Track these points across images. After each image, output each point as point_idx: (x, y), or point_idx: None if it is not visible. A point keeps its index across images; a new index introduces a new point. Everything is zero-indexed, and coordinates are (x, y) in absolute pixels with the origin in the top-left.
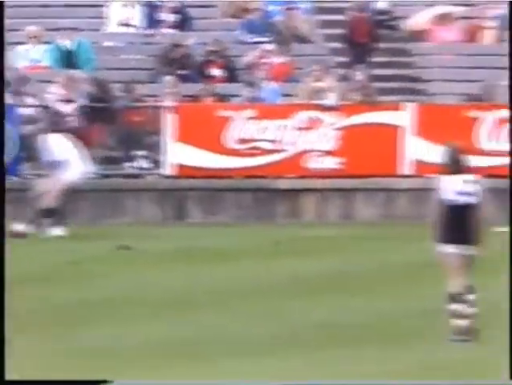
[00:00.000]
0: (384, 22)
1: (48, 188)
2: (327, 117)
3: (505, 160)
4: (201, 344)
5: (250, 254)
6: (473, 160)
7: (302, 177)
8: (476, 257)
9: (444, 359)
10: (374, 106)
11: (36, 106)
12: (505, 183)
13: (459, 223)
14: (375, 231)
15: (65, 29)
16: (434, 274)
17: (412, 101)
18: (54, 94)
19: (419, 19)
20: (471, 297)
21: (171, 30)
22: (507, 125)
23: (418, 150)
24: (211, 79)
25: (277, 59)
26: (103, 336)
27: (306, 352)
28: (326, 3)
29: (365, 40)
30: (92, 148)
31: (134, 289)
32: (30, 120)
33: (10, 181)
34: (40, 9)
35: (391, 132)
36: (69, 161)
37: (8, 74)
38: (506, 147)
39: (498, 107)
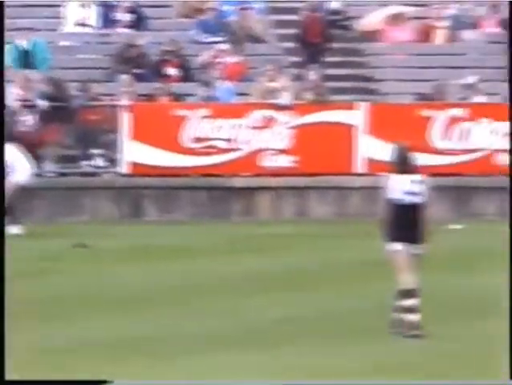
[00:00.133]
0: (337, 22)
1: None
2: (281, 116)
3: (458, 159)
4: (158, 341)
5: (206, 252)
6: (426, 159)
7: (257, 176)
8: (422, 255)
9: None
10: (327, 105)
11: None
12: (457, 180)
13: (406, 222)
14: (329, 229)
15: (22, 29)
16: (386, 272)
17: (365, 100)
18: (11, 94)
19: (372, 19)
20: (414, 301)
21: (126, 30)
22: (459, 124)
23: (371, 149)
24: (166, 78)
25: (231, 59)
26: (59, 333)
27: (263, 348)
28: (279, 3)
29: (318, 40)
30: (49, 147)
31: (91, 287)
32: None
33: None
34: None
35: (344, 131)
36: (15, 164)
37: None
38: (458, 145)
39: (450, 106)
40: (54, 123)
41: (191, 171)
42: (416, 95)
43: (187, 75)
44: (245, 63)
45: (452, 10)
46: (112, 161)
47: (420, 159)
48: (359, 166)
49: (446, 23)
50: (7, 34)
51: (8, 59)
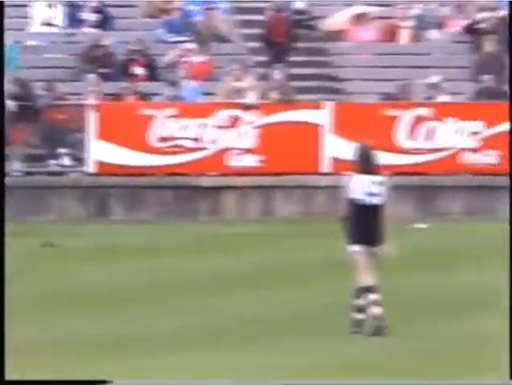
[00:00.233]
0: (302, 22)
1: None
2: (247, 116)
3: (423, 158)
4: (125, 340)
5: (172, 251)
6: (392, 158)
7: (224, 175)
8: (381, 255)
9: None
10: (292, 104)
11: None
12: (422, 180)
13: (365, 222)
14: (295, 228)
15: None
16: (351, 271)
17: (330, 100)
18: None
19: (336, 19)
20: (375, 296)
21: (93, 30)
22: (424, 123)
23: (336, 148)
24: (133, 77)
25: (197, 59)
26: (29, 333)
27: (229, 348)
28: (244, 3)
29: (283, 40)
30: (16, 147)
31: (58, 286)
32: None
33: None
34: None
35: (309, 131)
36: None
37: None
38: (424, 145)
39: (415, 105)
40: (21, 123)
41: (157, 170)
42: (380, 94)
43: (153, 75)
44: (211, 63)
45: (416, 9)
46: (79, 160)
47: (386, 158)
48: (325, 165)
49: (411, 23)
50: None
51: None
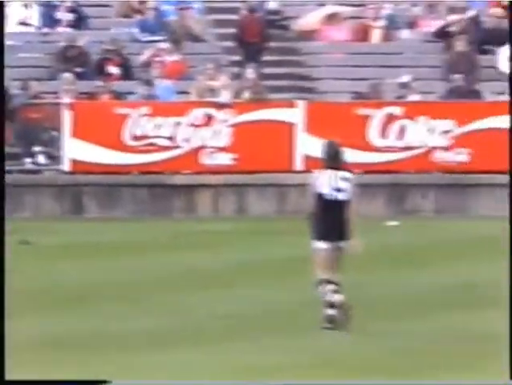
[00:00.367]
0: (275, 22)
1: None
2: (221, 114)
3: (395, 156)
4: (102, 337)
5: (148, 248)
6: (363, 157)
7: (197, 173)
8: (346, 251)
9: (332, 350)
10: (265, 103)
11: None
12: (394, 178)
13: (332, 218)
14: (268, 225)
15: None
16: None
17: (303, 99)
18: None
19: (309, 19)
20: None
21: (68, 29)
22: (396, 122)
23: (309, 146)
24: (107, 76)
25: (171, 58)
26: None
27: (203, 345)
28: (218, 3)
29: (257, 39)
30: None
31: (34, 284)
32: None
33: None
34: None
35: (282, 129)
36: None
37: None
38: (395, 143)
39: (387, 104)
40: None
41: (132, 168)
42: (352, 93)
43: (128, 74)
44: (184, 62)
45: (387, 9)
46: (54, 159)
47: (358, 156)
48: (298, 163)
49: (382, 23)
50: None
51: None
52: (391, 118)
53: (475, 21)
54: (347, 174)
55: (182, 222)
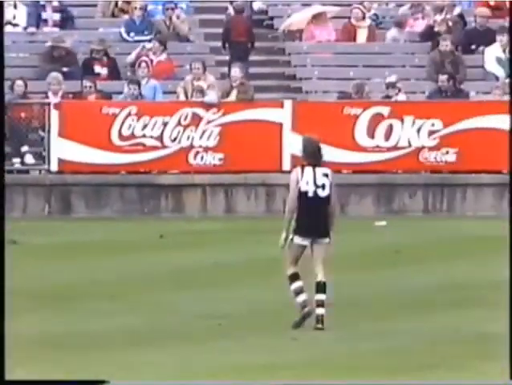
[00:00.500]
0: (262, 22)
1: None
2: (208, 114)
3: (382, 156)
4: (85, 337)
5: (136, 248)
6: (351, 157)
7: (186, 173)
8: (328, 247)
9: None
10: (252, 103)
11: None
12: (382, 178)
13: (313, 214)
14: (256, 225)
15: None
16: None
17: (290, 98)
18: None
19: (295, 19)
20: (321, 297)
21: (55, 29)
22: (383, 122)
23: (297, 146)
24: (95, 76)
25: (158, 58)
26: None
27: (193, 343)
28: (205, 3)
29: (243, 39)
30: None
31: (20, 283)
32: None
33: None
34: None
35: (270, 129)
36: None
37: None
38: (383, 143)
39: (374, 104)
40: None
41: (120, 168)
42: (339, 93)
43: (115, 74)
44: (171, 62)
45: (374, 9)
46: (42, 158)
47: (345, 156)
48: (286, 163)
49: (369, 23)
50: None
51: None
52: (378, 118)
53: (461, 20)
54: (326, 170)
55: (170, 222)
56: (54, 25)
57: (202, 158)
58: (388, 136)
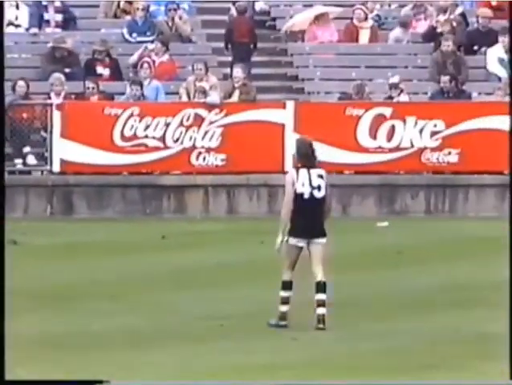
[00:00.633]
0: (264, 23)
1: None
2: (211, 115)
3: (385, 157)
4: (88, 336)
5: (137, 248)
6: (353, 157)
7: (188, 174)
8: (324, 247)
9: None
10: (255, 104)
11: None
12: (384, 178)
13: (309, 215)
14: (259, 226)
15: None
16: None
17: (292, 99)
18: None
19: (298, 20)
20: (322, 297)
21: (57, 30)
22: (386, 123)
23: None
24: (97, 77)
25: (160, 58)
26: None
27: (194, 344)
28: (207, 4)
29: (246, 40)
30: None
31: (22, 283)
32: None
33: None
34: None
35: (272, 130)
36: None
37: None
38: (385, 144)
39: (377, 104)
40: None
41: (122, 169)
42: (341, 94)
43: (117, 74)
44: (174, 63)
45: (377, 10)
46: (44, 159)
47: (348, 157)
48: (288, 164)
49: (371, 23)
50: None
51: None
52: (380, 118)
53: (463, 21)
54: (321, 171)
55: (172, 222)
56: (57, 26)
57: (204, 159)
58: (390, 137)
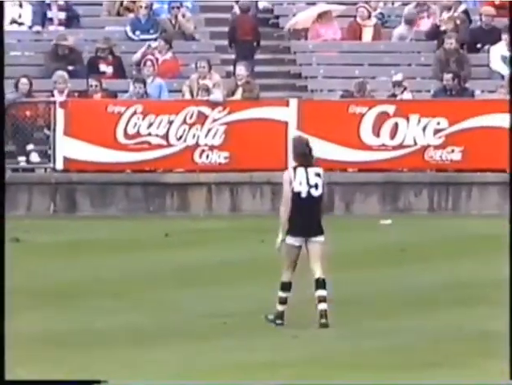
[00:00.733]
0: (267, 21)
1: None
2: (214, 113)
3: (388, 155)
4: (91, 334)
5: (141, 246)
6: (357, 155)
7: (191, 171)
8: (322, 245)
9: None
10: (258, 102)
11: None
12: (387, 176)
13: (307, 214)
14: (262, 224)
15: None
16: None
17: (295, 97)
18: None
19: (301, 17)
20: (322, 293)
21: (60, 28)
22: (389, 120)
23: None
24: (100, 75)
25: (163, 56)
26: None
27: (197, 342)
28: (210, 1)
29: (249, 38)
30: None
31: (25, 281)
32: None
33: None
34: None
35: (276, 127)
36: None
37: None
38: (389, 142)
39: (380, 102)
40: None
41: (125, 167)
42: (343, 92)
43: (120, 72)
44: (177, 61)
45: (380, 8)
46: (47, 157)
47: (351, 155)
48: (291, 162)
49: (375, 21)
50: None
51: None
52: (384, 116)
53: (466, 19)
54: (318, 170)
55: (175, 220)
56: (60, 23)
57: (208, 156)
58: (393, 135)
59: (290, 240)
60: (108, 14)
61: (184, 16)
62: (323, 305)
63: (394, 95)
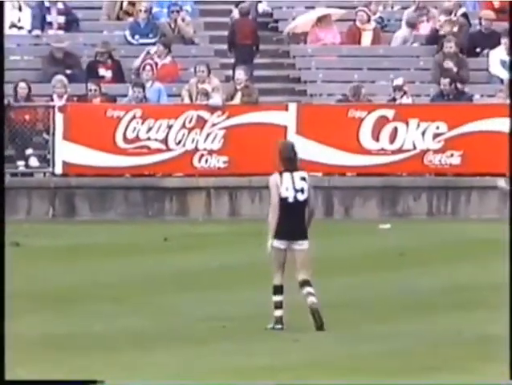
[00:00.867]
0: (267, 25)
1: None
2: (213, 117)
3: (387, 159)
4: (90, 337)
5: (140, 250)
6: (356, 159)
7: (190, 176)
8: (307, 250)
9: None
10: (257, 106)
11: None
12: (386, 180)
13: (293, 218)
14: (261, 228)
15: None
16: (316, 270)
17: (295, 101)
18: None
19: (300, 21)
20: (309, 289)
21: (59, 32)
22: (388, 125)
23: (301, 149)
24: (99, 79)
25: (162, 60)
26: None
27: (196, 346)
28: (209, 5)
29: (248, 42)
30: None
31: (24, 285)
32: None
33: None
34: None
35: (275, 132)
36: None
37: None
38: (388, 146)
39: (379, 106)
40: None
41: (124, 171)
42: (342, 96)
43: (119, 77)
44: (176, 65)
45: (380, 12)
46: (46, 161)
47: (350, 159)
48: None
49: (374, 25)
50: None
51: None
52: (383, 120)
53: (466, 23)
54: (303, 174)
55: (174, 225)
56: (59, 28)
57: (207, 161)
58: (392, 139)
59: (276, 243)
60: (108, 18)
61: (183, 20)
62: (312, 298)
63: (394, 99)
